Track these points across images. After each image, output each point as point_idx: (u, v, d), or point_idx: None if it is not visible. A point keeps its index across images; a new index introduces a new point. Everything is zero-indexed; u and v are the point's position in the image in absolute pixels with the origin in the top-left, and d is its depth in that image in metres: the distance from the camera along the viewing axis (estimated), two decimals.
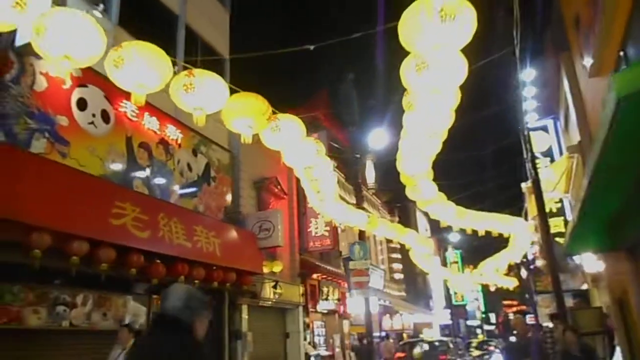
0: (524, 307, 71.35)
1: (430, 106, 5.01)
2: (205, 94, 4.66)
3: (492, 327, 67.48)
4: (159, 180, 8.61)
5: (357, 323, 20.44)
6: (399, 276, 29.77)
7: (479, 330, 56.81)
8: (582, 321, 10.19)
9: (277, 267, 11.93)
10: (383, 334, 25.53)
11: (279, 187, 13.25)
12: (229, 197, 10.70)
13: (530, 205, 13.00)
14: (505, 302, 72.01)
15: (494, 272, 21.16)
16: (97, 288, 6.82)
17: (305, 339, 13.76)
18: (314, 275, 14.49)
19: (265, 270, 11.30)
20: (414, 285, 31.43)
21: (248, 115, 5.03)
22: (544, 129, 15.75)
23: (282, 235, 10.99)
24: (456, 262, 29.95)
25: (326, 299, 15.39)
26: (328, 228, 14.09)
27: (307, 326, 14.02)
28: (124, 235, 6.62)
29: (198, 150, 9.97)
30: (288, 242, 13.85)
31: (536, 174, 11.55)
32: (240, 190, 11.47)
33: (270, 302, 12.01)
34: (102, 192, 6.62)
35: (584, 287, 14.03)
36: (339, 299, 16.57)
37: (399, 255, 29.77)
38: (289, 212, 14.19)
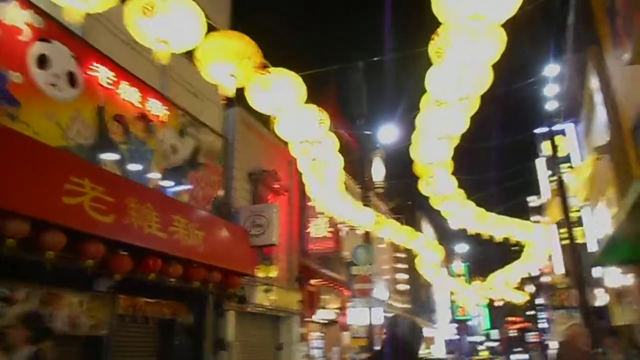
0: (528, 324, 69.72)
1: (468, 50, 3.79)
2: (171, 21, 3.48)
3: (494, 344, 65.69)
4: (136, 161, 7.39)
5: (359, 335, 19.12)
6: (403, 287, 28.37)
7: (481, 347, 55.12)
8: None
9: (273, 272, 10.67)
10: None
11: (278, 181, 12.03)
12: (218, 188, 9.47)
13: (551, 211, 11.72)
14: (509, 319, 70.32)
15: (504, 285, 19.79)
16: (45, 282, 5.59)
17: (301, 351, 12.47)
18: (313, 281, 13.21)
19: (260, 275, 10.05)
20: (418, 298, 30.01)
21: (230, 60, 3.84)
22: (562, 132, 14.54)
23: (278, 232, 9.75)
24: (462, 275, 28.51)
25: (325, 308, 14.09)
26: (331, 229, 12.84)
27: (303, 337, 12.72)
28: (79, 218, 5.39)
29: (185, 132, 8.76)
30: (286, 243, 12.61)
31: (560, 176, 10.28)
32: (232, 181, 10.25)
33: (262, 309, 10.75)
34: (53, 163, 5.40)
35: (600, 303, 12.72)
36: (340, 308, 15.26)
37: (404, 266, 28.42)
38: (289, 210, 12.96)
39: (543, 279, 34.59)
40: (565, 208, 9.54)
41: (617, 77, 8.15)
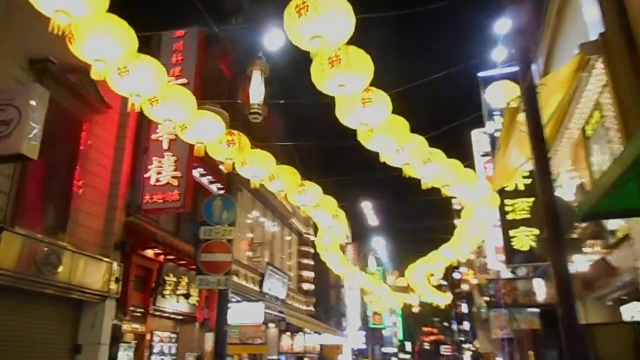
0: (441, 337, 68.72)
1: None
2: None
3: (407, 356, 63.67)
4: None
5: (246, 340, 14.76)
6: (308, 286, 24.39)
7: (394, 359, 52.50)
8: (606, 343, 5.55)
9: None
10: (282, 357, 20.01)
11: (91, 86, 7.51)
12: None
13: (501, 157, 8.18)
14: (425, 329, 68.89)
15: (425, 278, 16.33)
16: None
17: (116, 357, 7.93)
18: (150, 252, 8.74)
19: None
20: (326, 300, 26.12)
21: None
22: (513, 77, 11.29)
23: (39, 136, 5.27)
24: (377, 274, 25.14)
25: (175, 295, 9.63)
26: (178, 174, 8.46)
27: (122, 336, 8.19)
28: None
29: None
30: (102, 187, 8.09)
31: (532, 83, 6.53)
32: None
33: (40, 286, 6.19)
34: None
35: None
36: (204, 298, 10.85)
37: (311, 262, 24.49)
38: (117, 140, 8.46)
39: (463, 286, 32.16)
40: (536, 124, 5.95)
41: None
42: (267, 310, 14.66)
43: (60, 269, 6.83)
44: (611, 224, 6.93)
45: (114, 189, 8.21)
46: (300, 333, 20.79)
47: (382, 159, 6.15)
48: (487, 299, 11.09)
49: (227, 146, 6.37)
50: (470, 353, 46.34)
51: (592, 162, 7.57)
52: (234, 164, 6.84)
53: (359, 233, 30.01)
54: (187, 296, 9.58)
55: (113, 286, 7.77)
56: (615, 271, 6.86)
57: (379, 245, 25.81)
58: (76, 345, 7.52)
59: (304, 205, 8.08)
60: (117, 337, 7.85)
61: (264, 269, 17.85)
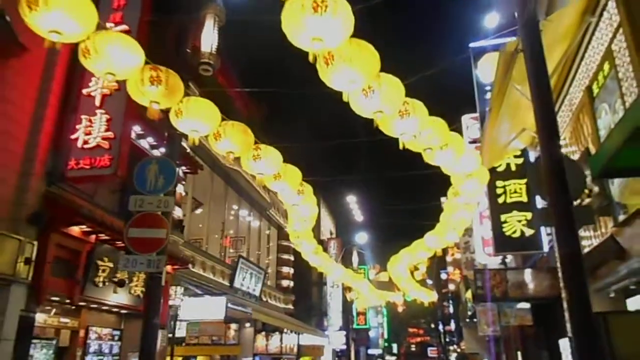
0: (427, 338, 67.72)
1: None
2: None
3: (393, 358, 62.50)
4: None
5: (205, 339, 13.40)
6: (287, 283, 23.02)
7: None
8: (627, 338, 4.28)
9: None
10: (257, 359, 18.65)
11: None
12: None
13: (490, 129, 6.93)
14: (411, 330, 67.85)
15: (409, 274, 15.06)
16: None
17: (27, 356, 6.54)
18: (76, 230, 7.34)
19: None
20: (307, 297, 24.77)
21: None
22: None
23: None
24: (362, 272, 23.85)
25: (112, 284, 8.22)
26: (110, 135, 7.09)
27: (34, 331, 6.78)
28: None
29: None
30: (17, 150, 6.70)
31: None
32: None
33: None
34: None
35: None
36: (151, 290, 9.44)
37: (291, 257, 23.14)
38: (39, 95, 7.07)
39: (450, 286, 31.01)
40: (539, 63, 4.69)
41: None
42: (236, 307, 13.28)
43: None
44: (620, 194, 5.68)
45: (30, 152, 6.79)
46: (277, 333, 19.42)
47: (348, 102, 4.82)
48: (473, 292, 9.82)
49: (151, 85, 5.04)
50: (456, 355, 45.26)
51: (598, 127, 6.33)
52: (165, 113, 5.52)
53: (343, 227, 28.74)
54: (121, 284, 8.16)
55: (22, 269, 6.35)
56: (624, 255, 5.62)
57: (363, 240, 24.51)
58: None
59: (260, 175, 6.74)
60: (26, 331, 6.43)
61: (235, 262, 16.51)
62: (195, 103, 5.57)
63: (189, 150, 12.43)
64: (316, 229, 27.02)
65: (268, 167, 6.61)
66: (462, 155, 6.61)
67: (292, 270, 23.23)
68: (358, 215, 27.42)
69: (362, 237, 24.03)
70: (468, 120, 15.56)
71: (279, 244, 22.80)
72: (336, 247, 25.69)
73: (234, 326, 17.55)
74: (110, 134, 7.05)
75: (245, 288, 17.02)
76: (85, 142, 7.13)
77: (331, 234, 29.99)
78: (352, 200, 25.83)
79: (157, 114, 5.12)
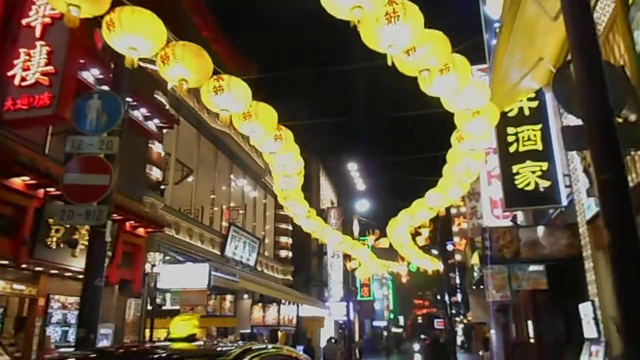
0: (433, 310, 67.34)
1: None
2: None
3: (399, 330, 62.29)
4: None
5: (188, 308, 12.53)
6: (286, 254, 22.19)
7: (385, 333, 50.99)
8: None
9: None
10: (255, 330, 17.99)
11: None
12: None
13: (499, 62, 5.79)
14: (417, 302, 67.50)
15: (410, 239, 14.06)
16: None
17: None
18: (18, 182, 6.34)
19: None
20: (307, 268, 23.97)
21: None
22: None
23: None
24: (364, 244, 22.93)
25: (67, 246, 7.26)
26: (51, 70, 6.00)
27: None
28: None
29: None
30: None
31: None
32: None
33: None
34: None
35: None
36: (121, 253, 8.52)
37: (289, 227, 22.22)
38: None
39: (458, 257, 30.11)
40: None
41: None
42: (223, 275, 12.38)
43: None
44: None
45: None
46: (274, 304, 18.65)
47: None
48: (480, 254, 8.79)
49: None
50: (462, 326, 44.73)
51: (635, 41, 5.15)
52: (92, 24, 4.42)
53: (344, 195, 27.74)
54: (73, 244, 7.18)
55: None
56: None
57: (364, 208, 23.52)
58: None
59: (225, 112, 5.65)
60: None
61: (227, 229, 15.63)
62: (132, 14, 4.45)
63: (167, 105, 11.37)
64: (316, 199, 26.11)
65: (233, 102, 5.52)
66: (467, 83, 5.48)
67: (290, 240, 22.40)
68: (360, 185, 26.38)
69: (363, 205, 22.99)
70: (476, 72, 14.31)
71: (277, 213, 21.88)
72: (336, 216, 24.76)
73: (229, 297, 16.79)
74: (50, 69, 5.97)
75: (238, 257, 16.16)
76: (23, 79, 6.06)
77: (332, 203, 29.05)
78: (352, 168, 24.73)
79: (76, 21, 4.02)
